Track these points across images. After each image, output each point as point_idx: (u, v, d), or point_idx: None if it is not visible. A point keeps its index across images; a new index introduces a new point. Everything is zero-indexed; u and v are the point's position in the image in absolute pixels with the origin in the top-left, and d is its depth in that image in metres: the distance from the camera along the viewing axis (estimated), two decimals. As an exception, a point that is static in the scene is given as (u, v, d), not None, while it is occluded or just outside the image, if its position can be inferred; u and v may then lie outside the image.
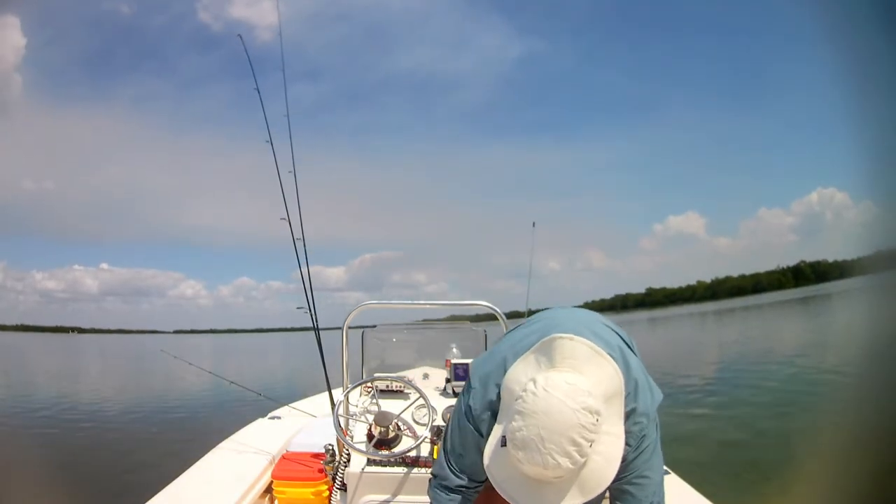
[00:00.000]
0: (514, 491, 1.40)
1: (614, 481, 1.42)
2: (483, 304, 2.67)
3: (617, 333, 1.66)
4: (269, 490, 2.84)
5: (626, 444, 1.44)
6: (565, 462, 1.28)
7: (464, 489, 1.70)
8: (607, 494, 1.55)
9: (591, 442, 1.30)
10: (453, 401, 2.55)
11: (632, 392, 1.49)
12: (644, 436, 1.50)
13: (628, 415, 1.47)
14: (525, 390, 1.36)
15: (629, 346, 1.65)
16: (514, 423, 1.34)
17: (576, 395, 1.31)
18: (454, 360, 2.78)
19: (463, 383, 2.50)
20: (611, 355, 1.48)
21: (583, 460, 1.30)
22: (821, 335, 21.16)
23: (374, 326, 3.00)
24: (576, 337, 1.46)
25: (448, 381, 2.77)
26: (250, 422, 3.66)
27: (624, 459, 1.42)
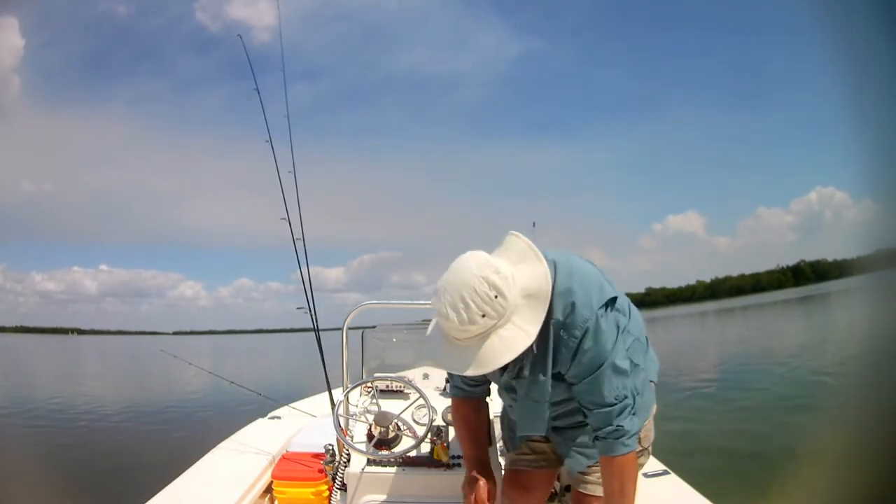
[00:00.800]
0: (430, 341, 1.63)
1: (571, 398, 1.69)
2: None
3: (593, 267, 1.73)
4: (269, 490, 2.84)
5: (559, 351, 1.61)
6: (452, 315, 1.46)
7: (469, 383, 1.99)
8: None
9: (484, 313, 1.45)
10: None
11: (569, 308, 1.57)
12: (581, 350, 1.58)
13: (562, 326, 1.58)
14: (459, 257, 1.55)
15: (606, 281, 1.70)
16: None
17: (484, 266, 1.48)
18: None
19: None
20: (555, 265, 1.60)
21: (472, 325, 1.46)
22: (821, 334, 21.15)
23: (374, 327, 3.00)
24: (521, 235, 1.61)
25: (448, 381, 2.77)
26: (250, 422, 3.65)
27: (563, 365, 1.62)
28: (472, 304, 1.45)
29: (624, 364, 1.62)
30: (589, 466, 1.89)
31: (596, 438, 1.68)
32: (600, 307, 1.58)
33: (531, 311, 1.52)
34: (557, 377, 1.68)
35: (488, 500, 1.89)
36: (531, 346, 1.52)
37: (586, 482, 1.92)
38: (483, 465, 1.97)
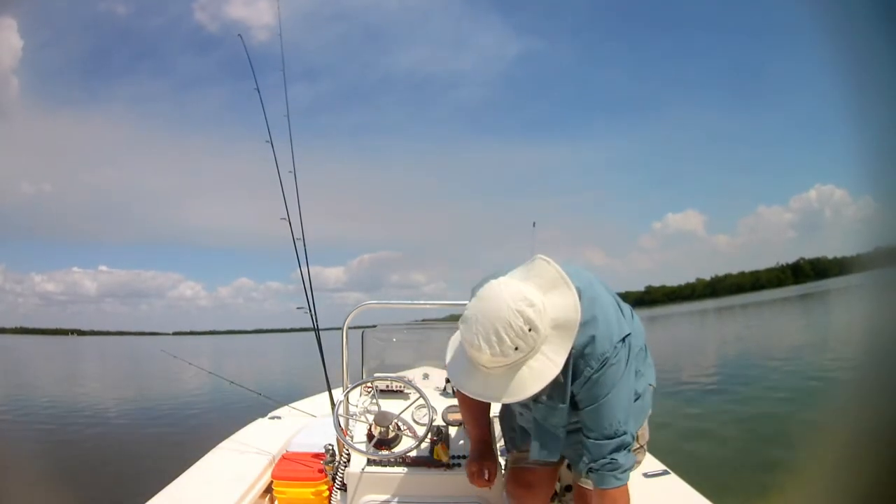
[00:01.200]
0: (453, 366, 1.65)
1: (574, 420, 1.71)
2: None
3: (608, 292, 1.76)
4: (269, 490, 2.84)
5: (573, 378, 1.64)
6: (485, 348, 1.46)
7: None
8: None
9: (517, 346, 1.46)
10: (453, 401, 2.55)
11: (590, 340, 1.60)
12: (592, 379, 1.62)
13: (581, 356, 1.61)
14: (489, 283, 1.56)
15: (619, 308, 1.76)
16: (469, 303, 1.58)
17: (518, 299, 1.48)
18: None
19: None
20: (580, 293, 1.59)
21: (504, 357, 1.47)
22: (821, 332, 21.16)
23: (374, 326, 3.00)
24: (552, 262, 1.60)
25: (448, 381, 2.77)
26: (250, 422, 3.65)
27: (573, 395, 1.66)
28: (507, 339, 1.45)
29: (626, 399, 1.66)
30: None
31: (590, 470, 1.70)
32: (618, 341, 1.62)
33: (560, 340, 1.52)
34: (572, 404, 1.71)
35: (489, 478, 2.03)
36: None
37: (588, 477, 1.89)
38: (486, 445, 2.10)
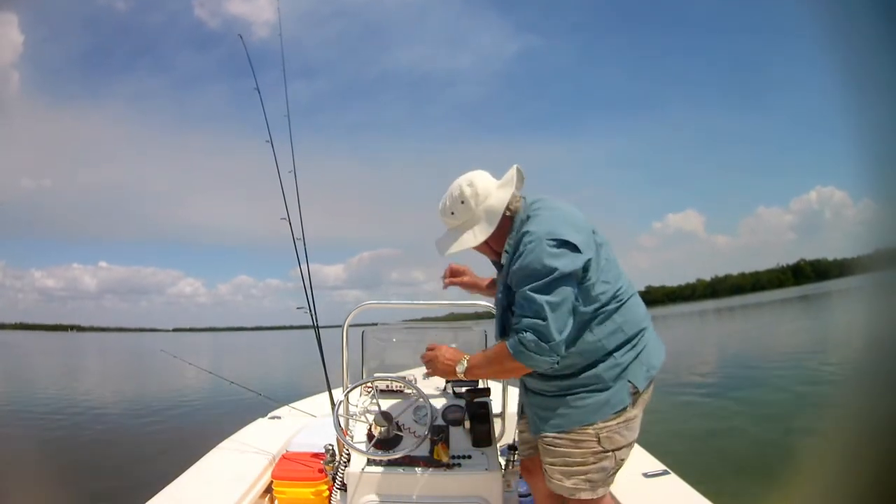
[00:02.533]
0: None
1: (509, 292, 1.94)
2: (483, 304, 2.67)
3: (575, 221, 1.94)
4: (269, 490, 2.84)
5: (506, 250, 1.98)
6: (439, 206, 2.08)
7: None
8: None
9: (453, 212, 2.03)
10: (453, 401, 2.55)
11: (525, 233, 1.90)
12: (522, 254, 1.87)
13: (518, 243, 1.91)
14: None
15: (595, 246, 1.94)
16: None
17: (466, 180, 2.02)
18: None
19: (463, 383, 2.54)
20: (531, 201, 2.02)
21: (446, 218, 2.06)
22: (821, 334, 21.14)
23: (375, 325, 3.00)
24: (519, 169, 2.03)
25: (448, 381, 2.77)
26: (250, 422, 3.65)
27: (509, 266, 1.94)
28: (447, 203, 2.04)
29: (545, 296, 1.80)
30: (543, 436, 2.01)
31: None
32: (549, 239, 1.83)
33: (485, 223, 1.99)
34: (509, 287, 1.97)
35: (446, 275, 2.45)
36: (506, 257, 1.97)
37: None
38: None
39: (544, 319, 1.79)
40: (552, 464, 2.02)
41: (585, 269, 1.87)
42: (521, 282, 1.85)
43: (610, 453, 1.96)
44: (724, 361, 16.39)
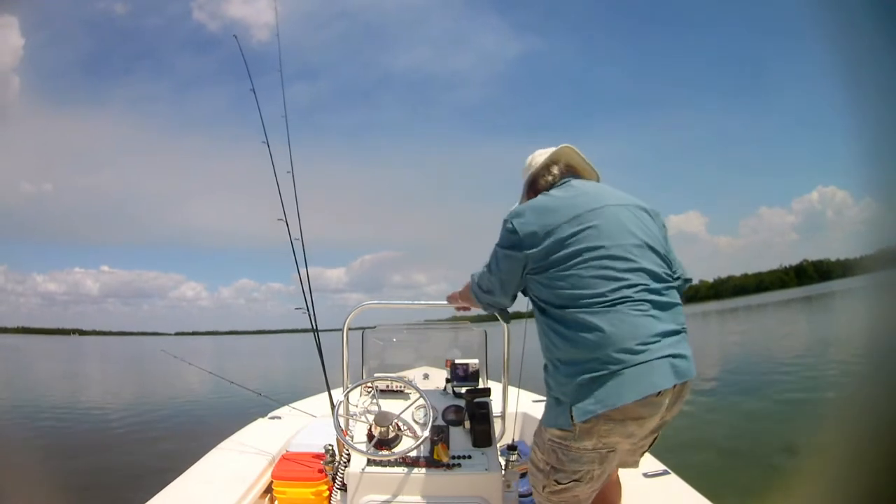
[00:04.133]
0: None
1: None
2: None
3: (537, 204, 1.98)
4: (269, 490, 2.84)
5: None
6: None
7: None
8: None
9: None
10: (453, 401, 2.55)
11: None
12: None
13: None
14: None
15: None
16: None
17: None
18: (454, 361, 2.77)
19: (463, 383, 2.53)
20: (570, 181, 2.05)
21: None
22: (825, 334, 21.05)
23: (375, 327, 2.99)
24: (563, 146, 2.10)
25: (448, 381, 2.76)
26: (250, 422, 3.66)
27: None
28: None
29: (491, 260, 2.01)
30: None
31: None
32: (509, 218, 1.92)
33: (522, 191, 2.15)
34: None
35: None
36: None
37: None
38: None
39: (480, 274, 2.08)
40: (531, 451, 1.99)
41: (539, 265, 1.83)
42: None
43: (549, 468, 1.85)
44: (728, 363, 16.32)
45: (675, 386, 1.70)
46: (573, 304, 1.75)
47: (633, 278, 1.75)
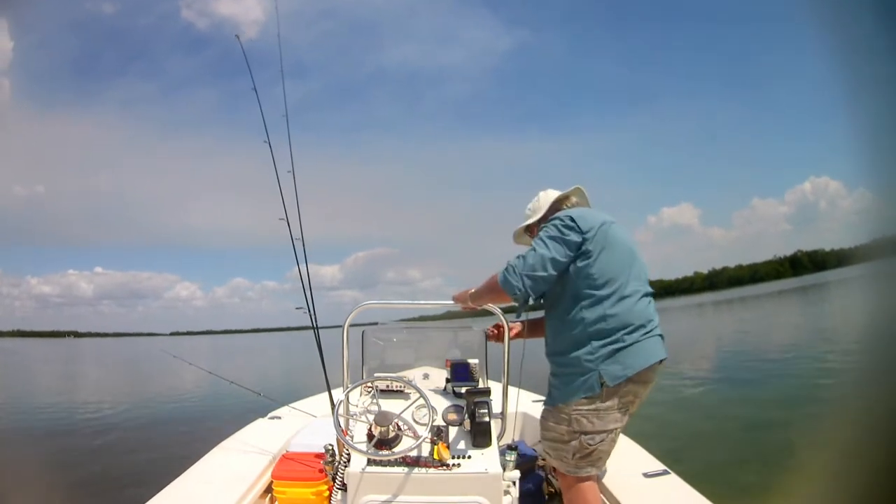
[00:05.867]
0: None
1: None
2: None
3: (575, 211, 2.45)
4: (269, 490, 2.84)
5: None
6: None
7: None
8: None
9: (531, 210, 2.66)
10: (453, 401, 2.54)
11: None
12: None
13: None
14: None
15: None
16: None
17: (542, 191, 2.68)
18: (454, 360, 2.77)
19: (463, 383, 2.53)
20: (572, 209, 2.54)
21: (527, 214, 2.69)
22: (822, 325, 21.12)
23: (376, 324, 2.99)
24: (581, 190, 2.65)
25: (448, 381, 2.76)
26: (250, 422, 3.65)
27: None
28: (529, 205, 2.68)
29: (538, 242, 2.31)
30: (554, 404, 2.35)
31: None
32: (562, 216, 2.35)
33: (538, 213, 2.61)
34: None
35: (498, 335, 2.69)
36: None
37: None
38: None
39: (524, 257, 2.26)
40: (543, 437, 2.43)
41: (586, 250, 2.27)
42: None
43: (578, 435, 2.26)
44: (725, 355, 16.35)
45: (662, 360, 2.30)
46: (603, 289, 2.25)
47: (637, 274, 2.34)
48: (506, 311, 2.67)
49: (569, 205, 2.59)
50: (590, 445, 2.26)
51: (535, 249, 2.27)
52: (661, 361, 2.29)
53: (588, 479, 2.32)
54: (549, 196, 2.62)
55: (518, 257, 2.28)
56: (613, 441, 2.32)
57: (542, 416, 2.42)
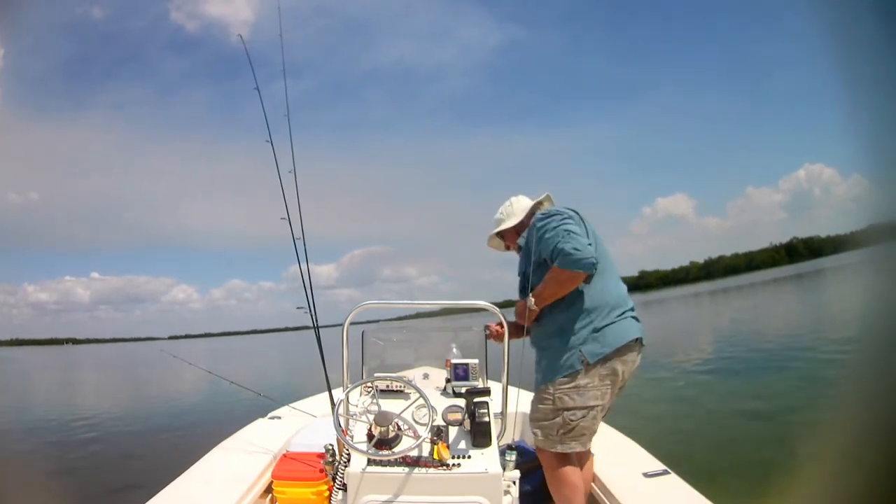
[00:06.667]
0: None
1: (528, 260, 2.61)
2: (482, 305, 2.66)
3: (560, 217, 2.57)
4: (269, 490, 2.84)
5: (522, 235, 2.74)
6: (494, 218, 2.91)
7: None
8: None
9: (501, 212, 2.89)
10: (453, 401, 2.54)
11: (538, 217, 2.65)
12: (533, 223, 2.64)
13: (532, 223, 2.65)
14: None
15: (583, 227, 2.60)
16: None
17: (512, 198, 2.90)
18: (454, 360, 2.76)
19: (463, 383, 2.53)
20: (543, 208, 2.81)
21: (498, 219, 2.90)
22: (820, 311, 21.13)
23: (378, 322, 2.98)
24: (549, 196, 2.86)
25: (448, 381, 2.76)
26: (250, 422, 3.66)
27: (526, 243, 2.67)
28: (500, 210, 2.89)
29: (559, 227, 2.48)
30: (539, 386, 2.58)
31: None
32: (550, 212, 2.59)
33: (514, 217, 2.82)
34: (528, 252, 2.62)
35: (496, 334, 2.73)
36: (522, 240, 2.72)
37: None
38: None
39: (563, 239, 2.40)
40: (531, 420, 2.61)
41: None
42: (540, 230, 2.53)
43: (560, 412, 2.46)
44: (723, 346, 16.27)
45: (639, 340, 2.51)
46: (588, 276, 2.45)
47: (610, 262, 2.59)
48: (503, 307, 2.68)
49: (541, 210, 2.75)
50: (572, 421, 2.44)
51: (568, 232, 2.43)
52: (637, 340, 2.50)
53: (568, 459, 2.49)
54: (521, 202, 2.85)
55: (560, 243, 2.42)
56: (596, 419, 2.48)
57: (531, 402, 2.62)
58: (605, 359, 2.44)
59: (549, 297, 2.52)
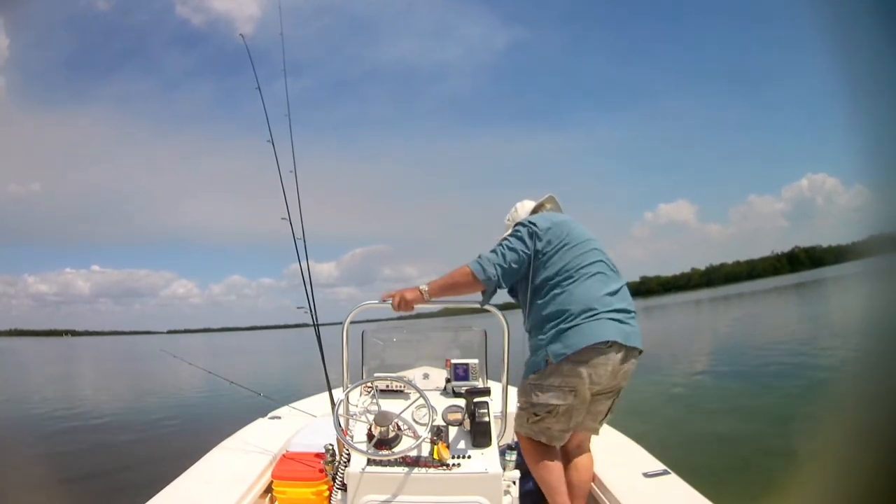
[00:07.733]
0: None
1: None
2: (477, 304, 2.66)
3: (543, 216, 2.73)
4: (269, 490, 2.84)
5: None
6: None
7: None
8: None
9: (508, 217, 2.92)
10: (453, 401, 2.55)
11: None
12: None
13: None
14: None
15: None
16: None
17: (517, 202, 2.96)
18: (454, 360, 2.77)
19: (463, 383, 2.54)
20: (544, 214, 2.80)
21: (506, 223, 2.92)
22: (820, 322, 21.06)
23: (378, 321, 2.99)
24: (552, 197, 2.91)
25: (448, 381, 2.77)
26: (250, 422, 3.66)
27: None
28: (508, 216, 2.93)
29: (505, 242, 2.58)
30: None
31: None
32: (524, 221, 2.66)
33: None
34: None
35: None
36: None
37: None
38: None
39: (495, 251, 2.54)
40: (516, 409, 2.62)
41: (544, 248, 2.52)
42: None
43: (528, 406, 2.48)
44: (723, 352, 16.28)
45: (621, 345, 2.39)
46: (558, 279, 2.47)
47: (594, 265, 2.51)
48: (503, 308, 2.69)
49: (543, 211, 2.85)
50: (535, 416, 2.46)
51: (503, 246, 2.56)
52: (611, 344, 2.37)
53: (542, 444, 2.50)
54: (525, 206, 2.92)
55: (490, 251, 2.56)
56: (559, 421, 2.44)
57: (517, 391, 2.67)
58: (568, 359, 2.35)
59: (441, 290, 2.58)
